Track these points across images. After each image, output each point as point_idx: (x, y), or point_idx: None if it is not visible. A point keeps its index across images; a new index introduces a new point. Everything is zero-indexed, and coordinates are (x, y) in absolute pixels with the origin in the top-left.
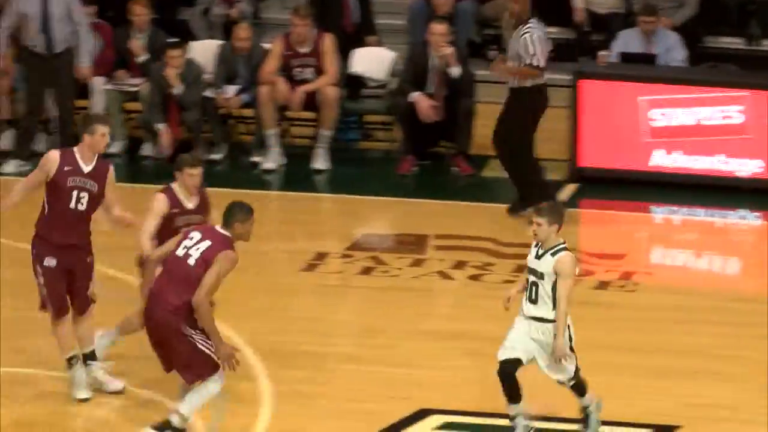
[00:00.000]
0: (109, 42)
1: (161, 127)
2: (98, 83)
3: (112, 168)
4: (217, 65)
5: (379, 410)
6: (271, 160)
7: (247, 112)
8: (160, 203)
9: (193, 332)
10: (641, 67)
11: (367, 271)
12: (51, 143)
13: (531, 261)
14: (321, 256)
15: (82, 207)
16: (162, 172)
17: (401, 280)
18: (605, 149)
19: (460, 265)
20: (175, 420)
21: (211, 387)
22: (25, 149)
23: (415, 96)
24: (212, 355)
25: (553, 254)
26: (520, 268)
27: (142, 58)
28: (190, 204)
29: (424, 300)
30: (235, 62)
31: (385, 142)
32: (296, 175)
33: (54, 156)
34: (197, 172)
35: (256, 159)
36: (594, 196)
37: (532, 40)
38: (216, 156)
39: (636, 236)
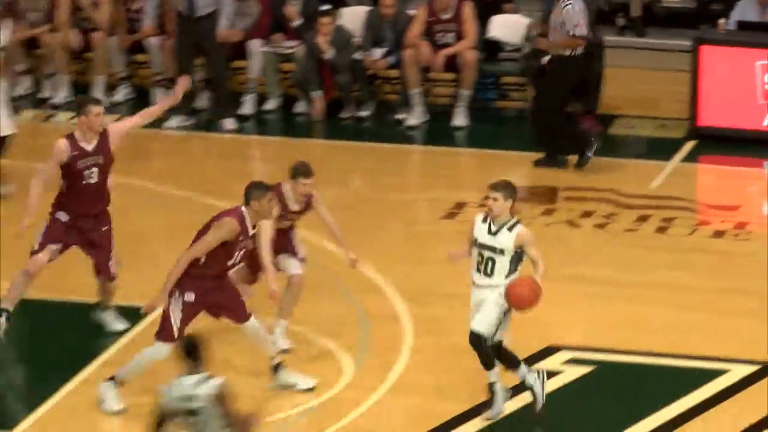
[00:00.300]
0: (266, 8)
1: (315, 94)
2: (256, 46)
3: (110, 127)
4: (365, 30)
5: (511, 347)
6: (415, 117)
7: (393, 73)
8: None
9: (177, 293)
10: (758, 35)
11: None
12: (211, 101)
13: (483, 237)
14: (459, 206)
15: (93, 180)
16: (313, 128)
17: (533, 227)
18: (723, 110)
19: (586, 214)
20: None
21: (154, 352)
22: (186, 106)
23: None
24: (174, 325)
25: (509, 229)
26: (641, 218)
27: (297, 22)
28: (296, 207)
29: (554, 246)
30: (382, 27)
31: (519, 101)
32: (437, 131)
33: (63, 145)
34: (311, 182)
35: (400, 116)
36: (711, 152)
37: (575, 11)
38: (364, 113)
39: (750, 189)
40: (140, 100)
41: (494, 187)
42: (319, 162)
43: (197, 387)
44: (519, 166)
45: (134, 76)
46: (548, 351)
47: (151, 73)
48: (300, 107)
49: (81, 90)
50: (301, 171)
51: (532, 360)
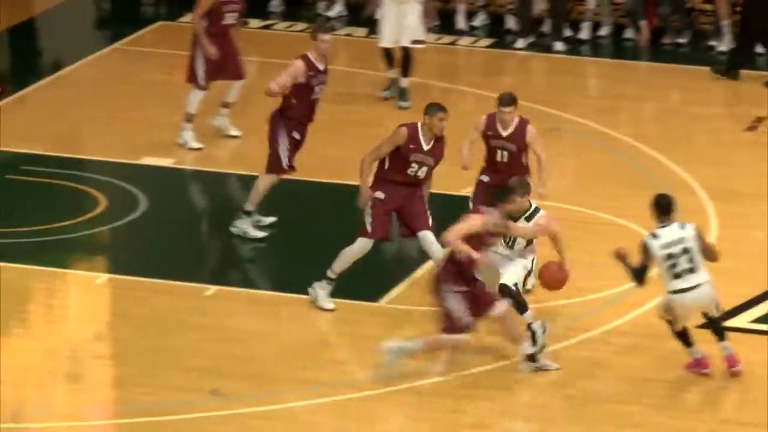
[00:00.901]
0: None
1: (642, 23)
2: None
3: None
4: None
5: None
6: (725, 44)
7: (707, 6)
8: (479, 125)
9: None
10: None
11: None
12: (551, 26)
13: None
14: (759, 120)
15: (316, 96)
16: (638, 52)
17: None
18: None
19: None
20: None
21: (357, 247)
22: (525, 29)
23: None
24: (368, 222)
25: (528, 219)
26: None
27: None
28: (504, 132)
29: None
30: None
31: None
32: None
33: (300, 65)
34: (509, 110)
35: (712, 43)
36: None
37: None
38: (682, 40)
39: None
40: (496, 25)
41: (512, 189)
42: (642, 80)
43: (682, 231)
44: None
45: (491, 5)
46: None
47: (506, 1)
48: (628, 34)
49: (444, 16)
50: (502, 101)
51: None
